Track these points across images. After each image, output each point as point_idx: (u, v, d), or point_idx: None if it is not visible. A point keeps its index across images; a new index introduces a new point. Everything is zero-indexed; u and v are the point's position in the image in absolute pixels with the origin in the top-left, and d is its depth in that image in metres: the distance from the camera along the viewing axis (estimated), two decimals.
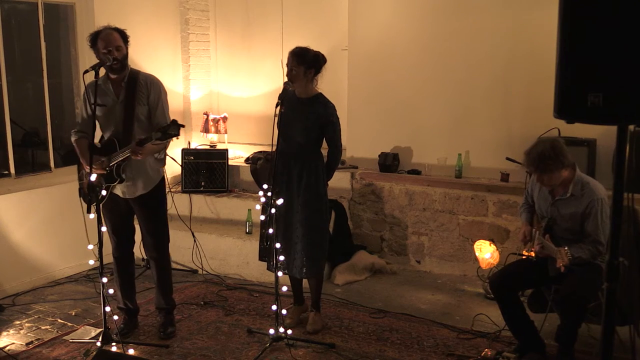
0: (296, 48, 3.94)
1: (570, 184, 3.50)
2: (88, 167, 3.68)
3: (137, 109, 3.85)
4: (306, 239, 4.01)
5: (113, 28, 3.82)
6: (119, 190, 3.94)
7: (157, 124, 3.83)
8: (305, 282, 4.31)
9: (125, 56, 3.82)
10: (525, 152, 3.49)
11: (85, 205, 3.81)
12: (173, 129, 3.56)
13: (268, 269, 4.14)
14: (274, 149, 3.81)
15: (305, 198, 3.99)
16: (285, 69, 3.93)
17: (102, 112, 3.88)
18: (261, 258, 4.26)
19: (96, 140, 3.96)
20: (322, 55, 3.99)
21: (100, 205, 3.87)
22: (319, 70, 3.97)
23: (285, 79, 3.94)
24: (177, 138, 3.73)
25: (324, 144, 4.09)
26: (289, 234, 4.05)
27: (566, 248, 3.36)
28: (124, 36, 3.83)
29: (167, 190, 4.15)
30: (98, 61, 3.75)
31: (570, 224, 3.52)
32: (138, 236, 4.21)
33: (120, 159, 3.77)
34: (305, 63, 3.89)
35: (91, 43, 3.80)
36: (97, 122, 3.88)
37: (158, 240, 4.09)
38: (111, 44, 3.74)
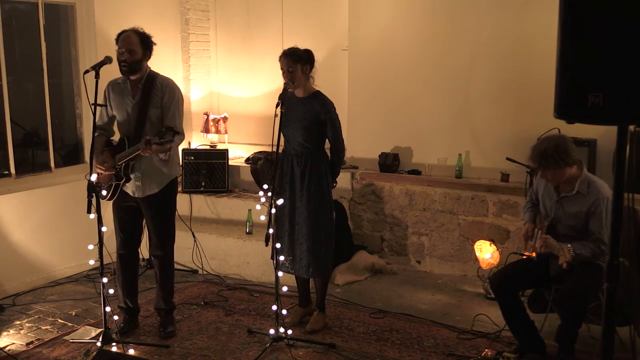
0: (286, 50, 3.98)
1: (576, 182, 3.50)
2: (97, 167, 3.79)
3: (150, 110, 3.89)
4: (311, 239, 4.02)
5: (136, 31, 3.84)
6: (129, 189, 3.97)
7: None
8: (311, 282, 4.30)
9: (138, 60, 3.83)
10: (532, 147, 3.51)
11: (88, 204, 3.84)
12: (168, 135, 3.61)
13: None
14: (274, 149, 3.81)
15: (309, 197, 4.00)
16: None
17: (117, 110, 3.96)
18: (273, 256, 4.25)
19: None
20: (311, 51, 4.03)
21: (112, 201, 3.95)
22: (313, 65, 4.00)
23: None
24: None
25: (327, 144, 4.09)
26: (294, 234, 4.06)
27: (569, 245, 3.36)
28: (145, 41, 3.84)
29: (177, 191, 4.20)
30: (98, 61, 3.76)
31: (575, 221, 3.52)
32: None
33: (127, 158, 3.81)
34: (300, 60, 3.92)
35: (117, 41, 3.86)
36: (114, 121, 4.04)
37: (163, 240, 4.11)
38: (124, 46, 3.78)
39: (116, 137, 4.09)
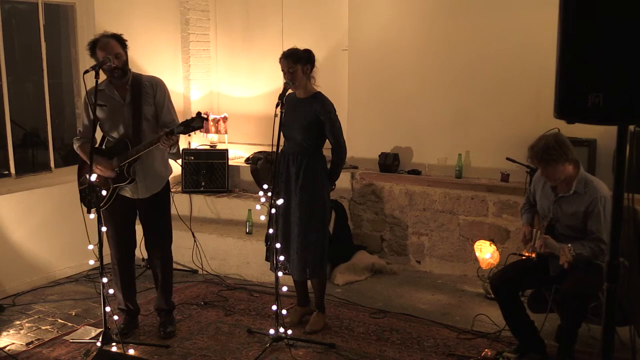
0: (285, 51, 3.97)
1: (573, 181, 3.51)
2: (97, 170, 3.73)
3: (144, 109, 3.88)
4: (301, 239, 4.01)
5: (110, 35, 3.81)
6: (128, 192, 3.94)
7: (163, 122, 3.91)
8: (309, 282, 4.30)
9: (125, 62, 3.83)
10: (530, 146, 3.52)
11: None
12: (197, 121, 3.60)
13: (271, 269, 4.13)
14: (274, 149, 3.81)
15: (302, 197, 3.99)
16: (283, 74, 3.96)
17: (107, 114, 3.90)
18: (267, 258, 4.27)
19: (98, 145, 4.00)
20: (311, 51, 4.03)
21: (104, 208, 3.89)
22: (313, 65, 4.00)
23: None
24: (202, 131, 3.76)
25: (327, 144, 4.09)
26: (288, 234, 4.06)
27: (569, 245, 3.36)
28: (121, 42, 3.82)
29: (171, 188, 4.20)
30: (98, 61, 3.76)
31: (573, 221, 3.52)
32: (138, 238, 4.21)
33: (137, 155, 3.79)
34: (300, 60, 3.92)
35: (90, 52, 3.81)
36: (99, 125, 3.94)
37: (161, 240, 4.11)
38: (110, 53, 3.74)
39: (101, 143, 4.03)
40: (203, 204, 5.93)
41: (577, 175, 3.52)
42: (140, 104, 3.87)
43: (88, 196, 3.87)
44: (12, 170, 5.08)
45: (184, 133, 3.65)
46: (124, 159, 3.82)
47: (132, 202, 3.98)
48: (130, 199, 3.97)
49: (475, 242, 5.09)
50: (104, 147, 3.97)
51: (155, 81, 3.97)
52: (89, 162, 3.74)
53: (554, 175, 3.50)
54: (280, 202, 3.96)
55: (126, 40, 3.86)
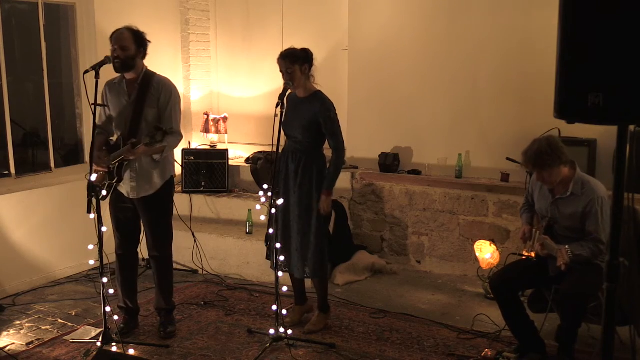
0: (283, 52, 3.96)
1: (570, 183, 3.51)
2: (95, 165, 3.76)
3: (145, 110, 3.87)
4: (300, 238, 4.02)
5: (128, 28, 3.83)
6: (124, 189, 3.96)
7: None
8: (309, 281, 4.30)
9: (131, 57, 3.81)
10: (523, 152, 3.51)
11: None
12: (158, 135, 3.62)
13: (272, 267, 4.13)
14: (274, 149, 3.81)
15: (301, 195, 4.00)
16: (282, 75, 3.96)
17: (115, 109, 3.95)
18: (268, 257, 4.27)
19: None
20: (309, 49, 4.02)
21: (107, 200, 3.94)
22: (312, 64, 3.99)
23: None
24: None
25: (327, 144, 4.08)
26: (287, 233, 4.06)
27: (567, 247, 3.37)
28: (137, 37, 3.83)
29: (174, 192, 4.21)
30: (98, 61, 3.77)
31: (571, 222, 3.52)
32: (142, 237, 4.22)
33: (118, 159, 3.81)
34: (298, 60, 3.91)
35: (111, 40, 3.85)
36: (112, 121, 4.01)
37: (159, 240, 4.10)
38: (117, 43, 3.77)
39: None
40: (203, 204, 5.93)
41: (573, 176, 3.52)
42: (142, 105, 3.86)
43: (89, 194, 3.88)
44: (12, 170, 5.08)
45: (150, 145, 3.67)
46: (113, 158, 3.84)
47: (132, 200, 3.99)
48: (127, 197, 3.98)
49: (475, 242, 5.09)
50: (112, 142, 4.03)
51: (163, 83, 3.94)
52: (92, 157, 3.77)
53: (550, 179, 3.49)
54: (280, 202, 3.96)
55: (146, 40, 3.86)
